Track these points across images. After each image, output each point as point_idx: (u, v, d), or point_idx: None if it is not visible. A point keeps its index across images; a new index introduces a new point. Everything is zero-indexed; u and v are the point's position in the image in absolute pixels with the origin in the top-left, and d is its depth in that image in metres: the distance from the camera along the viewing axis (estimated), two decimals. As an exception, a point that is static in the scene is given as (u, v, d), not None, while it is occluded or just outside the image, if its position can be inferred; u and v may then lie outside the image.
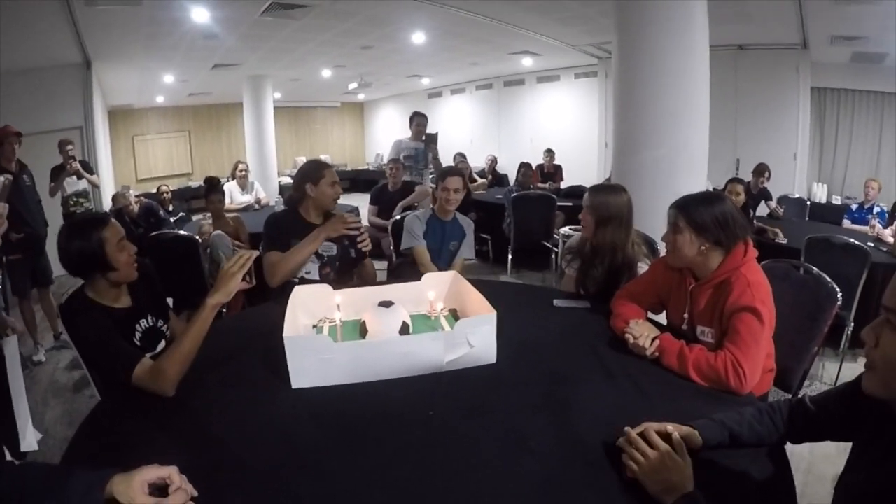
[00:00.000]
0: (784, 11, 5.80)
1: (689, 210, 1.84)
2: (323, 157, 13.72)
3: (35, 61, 6.28)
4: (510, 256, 5.92)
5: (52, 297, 4.50)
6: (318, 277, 2.82)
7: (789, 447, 1.34)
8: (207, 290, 1.81)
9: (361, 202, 6.08)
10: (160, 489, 1.12)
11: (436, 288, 2.14)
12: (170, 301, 4.00)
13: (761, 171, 5.77)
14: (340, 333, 1.81)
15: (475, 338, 1.70)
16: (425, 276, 2.22)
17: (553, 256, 5.83)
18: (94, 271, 1.88)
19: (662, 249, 2.60)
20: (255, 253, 1.87)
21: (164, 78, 9.05)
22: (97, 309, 1.88)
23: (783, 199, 6.34)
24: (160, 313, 2.17)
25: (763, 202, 5.88)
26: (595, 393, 1.63)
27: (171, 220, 6.11)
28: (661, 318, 2.16)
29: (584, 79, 9.85)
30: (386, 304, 1.89)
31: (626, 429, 1.28)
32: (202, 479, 1.18)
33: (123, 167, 11.01)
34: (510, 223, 5.86)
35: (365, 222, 5.71)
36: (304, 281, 2.75)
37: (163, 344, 2.09)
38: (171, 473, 1.14)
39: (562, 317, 2.25)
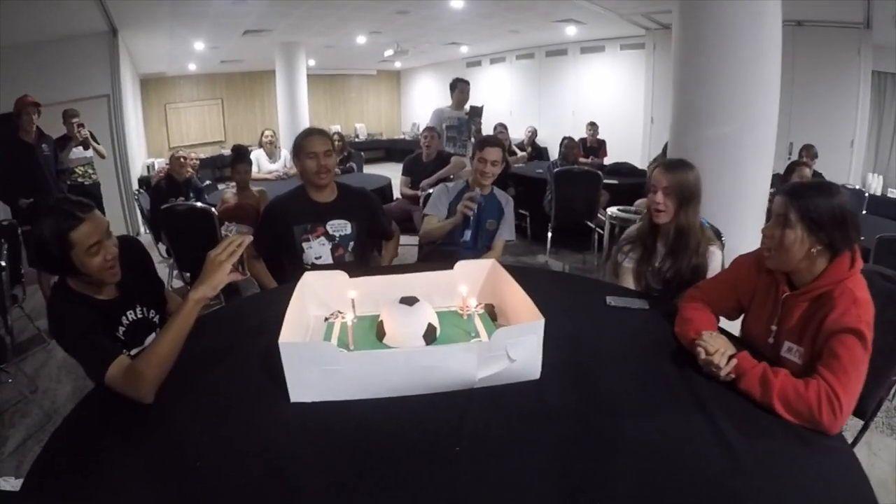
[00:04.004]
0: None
1: (804, 201, 1.47)
2: (357, 125, 13.62)
3: (60, 31, 6.12)
4: (550, 235, 5.55)
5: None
6: (331, 261, 2.53)
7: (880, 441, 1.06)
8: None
9: (395, 172, 5.79)
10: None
11: (470, 279, 1.80)
12: (189, 276, 3.86)
13: (808, 154, 5.34)
14: (352, 336, 1.49)
15: (517, 350, 1.36)
16: (458, 265, 1.88)
17: (595, 237, 5.45)
18: (60, 273, 1.63)
19: (734, 240, 2.25)
20: (248, 238, 1.56)
21: (195, 45, 8.83)
22: (78, 300, 1.64)
23: (839, 190, 5.77)
24: (152, 302, 1.90)
25: None
26: (660, 428, 1.28)
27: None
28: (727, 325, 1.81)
29: (631, 50, 9.31)
30: (409, 301, 1.56)
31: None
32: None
33: (156, 135, 10.92)
34: (551, 200, 5.50)
35: (397, 194, 5.47)
36: (315, 267, 2.46)
37: (153, 337, 1.82)
38: None
39: (616, 319, 1.89)
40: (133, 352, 1.66)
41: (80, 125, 5.07)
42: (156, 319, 1.89)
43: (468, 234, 2.91)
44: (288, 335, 1.36)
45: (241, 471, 1.15)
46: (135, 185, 7.03)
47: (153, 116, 11.02)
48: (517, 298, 1.58)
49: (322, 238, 2.52)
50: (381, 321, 1.55)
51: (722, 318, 1.80)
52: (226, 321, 1.95)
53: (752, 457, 1.16)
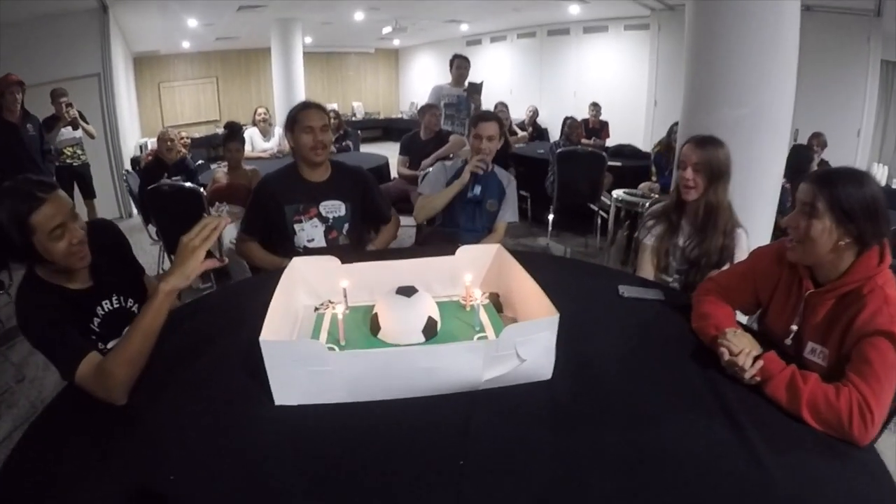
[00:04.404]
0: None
1: (835, 189, 1.32)
2: (355, 104, 13.41)
3: (48, 8, 5.88)
4: (551, 217, 5.39)
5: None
6: (324, 244, 2.38)
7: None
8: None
9: (393, 152, 5.63)
10: None
11: (474, 266, 1.66)
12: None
13: (818, 142, 5.20)
14: (343, 330, 1.35)
15: (528, 348, 1.22)
16: (461, 251, 1.73)
17: (598, 220, 5.29)
18: (23, 261, 1.48)
19: (754, 226, 2.15)
20: (225, 220, 1.41)
21: (188, 22, 8.57)
22: (47, 291, 1.49)
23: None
24: (130, 291, 1.76)
25: None
26: (683, 437, 1.14)
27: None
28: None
29: (635, 31, 9.02)
30: (406, 292, 1.42)
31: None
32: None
33: (150, 115, 10.69)
34: (553, 181, 5.34)
35: (394, 174, 5.31)
36: (307, 251, 2.31)
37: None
38: None
39: (630, 311, 1.74)
40: (110, 345, 1.54)
41: (69, 105, 4.98)
42: (134, 309, 1.75)
43: (477, 190, 2.73)
44: (272, 330, 1.22)
45: (217, 486, 1.02)
46: (127, 166, 6.86)
47: (147, 96, 10.76)
48: (526, 288, 1.43)
49: (315, 219, 2.37)
50: (376, 314, 1.41)
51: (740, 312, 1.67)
52: (207, 311, 1.80)
53: (783, 471, 1.04)
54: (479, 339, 1.38)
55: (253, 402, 1.23)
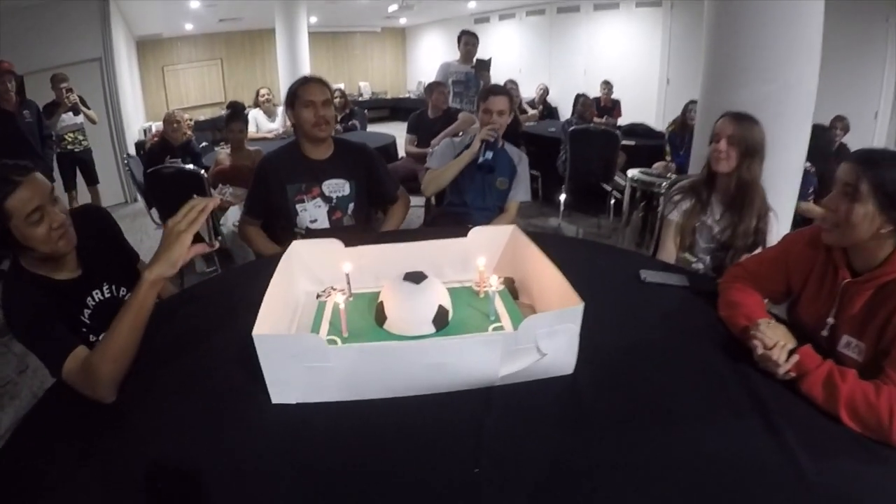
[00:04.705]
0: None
1: (879, 171, 1.20)
2: (361, 84, 13.26)
3: (47, -7, 5.82)
4: (563, 197, 5.24)
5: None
6: (327, 225, 2.27)
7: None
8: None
9: (400, 132, 5.48)
10: None
11: (487, 249, 1.53)
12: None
13: (842, 126, 4.98)
14: (346, 321, 1.23)
15: (550, 341, 1.10)
16: (473, 232, 1.60)
17: (611, 201, 5.13)
18: (3, 250, 1.38)
19: (776, 210, 2.05)
20: (213, 201, 1.29)
21: (190, 2, 8.48)
22: (31, 283, 1.40)
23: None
24: (123, 279, 1.65)
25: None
26: (717, 439, 1.03)
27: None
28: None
29: (647, 8, 8.81)
30: (415, 278, 1.29)
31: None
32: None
33: (154, 99, 10.56)
34: (565, 160, 5.19)
35: (402, 153, 5.18)
36: (310, 232, 2.20)
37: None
38: None
39: (653, 297, 1.61)
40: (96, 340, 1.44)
41: (69, 90, 4.93)
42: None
43: (489, 154, 2.55)
44: (267, 322, 1.11)
45: (208, 491, 0.93)
46: (132, 150, 6.77)
47: (151, 80, 10.62)
48: (545, 274, 1.31)
49: (318, 199, 2.25)
50: (381, 302, 1.29)
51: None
52: (203, 299, 1.69)
53: (821, 476, 0.94)
54: (495, 329, 1.25)
55: (249, 399, 1.13)
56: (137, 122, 8.29)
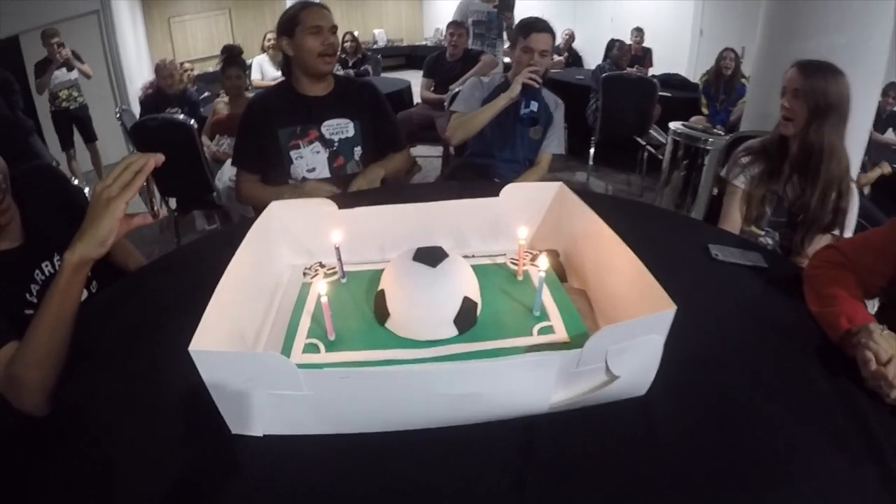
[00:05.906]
0: None
1: None
2: (376, 31, 12.83)
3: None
4: (592, 150, 4.84)
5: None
6: (328, 174, 1.94)
7: None
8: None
9: (416, 80, 5.04)
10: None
11: (525, 212, 1.17)
12: (172, 202, 3.31)
13: (892, 92, 4.49)
14: (331, 321, 0.88)
15: (623, 359, 0.75)
16: (507, 190, 1.20)
17: (644, 155, 4.69)
18: None
19: None
20: (155, 157, 0.95)
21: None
22: None
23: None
24: None
25: (891, 129, 4.61)
26: (825, 486, 0.74)
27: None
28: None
29: (680, -50, 8.22)
30: (430, 257, 0.92)
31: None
32: None
33: (160, 52, 10.13)
34: (596, 109, 4.75)
35: (417, 98, 4.79)
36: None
37: (84, 295, 1.27)
38: None
39: (728, 282, 1.25)
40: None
41: (61, 45, 4.72)
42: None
43: (534, 105, 2.18)
44: (223, 319, 0.77)
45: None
46: (136, 108, 6.48)
47: (157, 33, 10.26)
48: (610, 254, 0.94)
49: (316, 143, 1.92)
50: (383, 291, 0.94)
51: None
52: (160, 275, 1.35)
53: None
54: (542, 331, 0.90)
55: (211, 419, 0.79)
56: (142, 76, 7.98)
